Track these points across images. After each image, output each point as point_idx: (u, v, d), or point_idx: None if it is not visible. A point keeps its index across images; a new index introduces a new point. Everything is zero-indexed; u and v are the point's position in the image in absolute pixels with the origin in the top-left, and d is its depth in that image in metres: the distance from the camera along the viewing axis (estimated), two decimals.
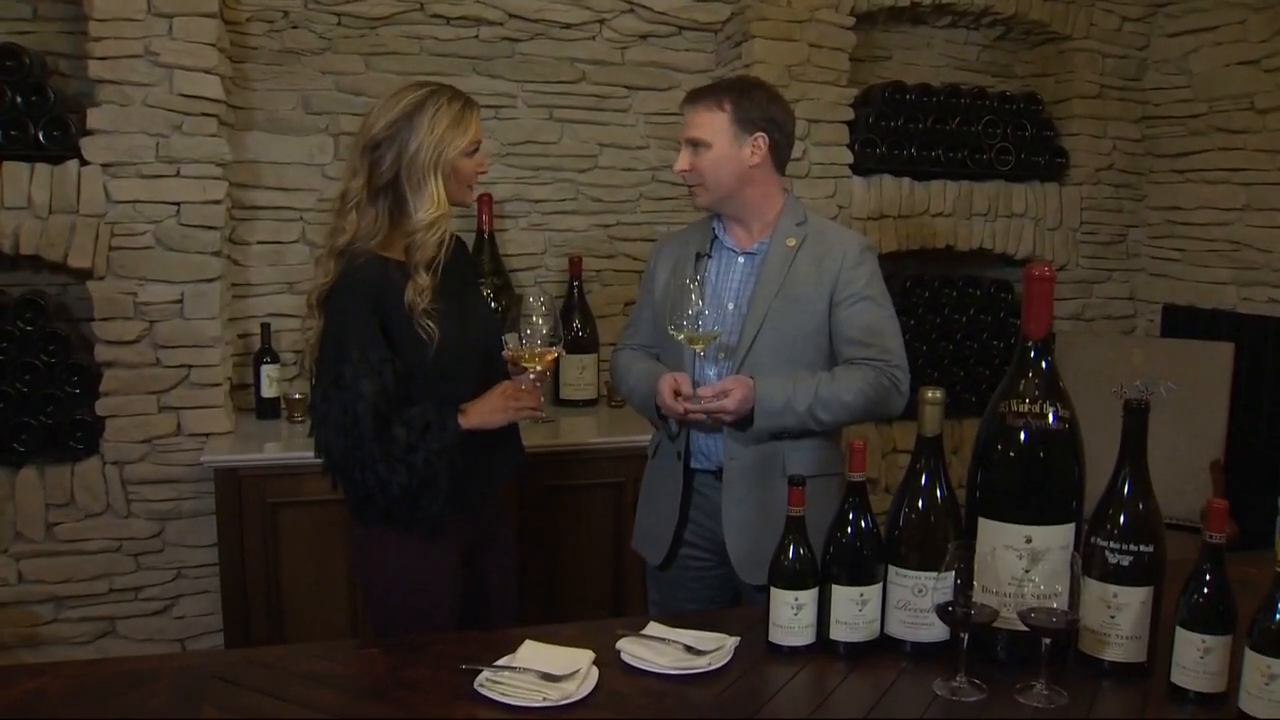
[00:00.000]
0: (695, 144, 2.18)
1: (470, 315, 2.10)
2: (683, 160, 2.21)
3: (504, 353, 2.05)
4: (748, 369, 2.15)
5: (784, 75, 3.42)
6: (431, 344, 1.95)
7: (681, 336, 2.08)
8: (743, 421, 2.11)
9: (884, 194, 3.68)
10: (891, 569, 1.68)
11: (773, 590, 1.68)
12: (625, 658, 1.65)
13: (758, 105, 2.18)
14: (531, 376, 2.03)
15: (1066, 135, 3.95)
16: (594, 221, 3.65)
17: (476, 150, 2.05)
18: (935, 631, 1.65)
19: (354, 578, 2.31)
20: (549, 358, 2.03)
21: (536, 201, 3.59)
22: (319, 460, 1.99)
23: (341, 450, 1.92)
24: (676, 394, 2.10)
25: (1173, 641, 1.53)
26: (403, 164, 1.95)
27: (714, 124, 2.17)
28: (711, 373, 2.20)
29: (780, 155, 2.24)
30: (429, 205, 1.96)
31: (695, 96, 2.23)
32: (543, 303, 2.03)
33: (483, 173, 2.10)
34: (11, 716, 1.49)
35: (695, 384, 2.12)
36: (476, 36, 3.47)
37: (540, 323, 2.00)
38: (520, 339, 2.01)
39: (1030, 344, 1.64)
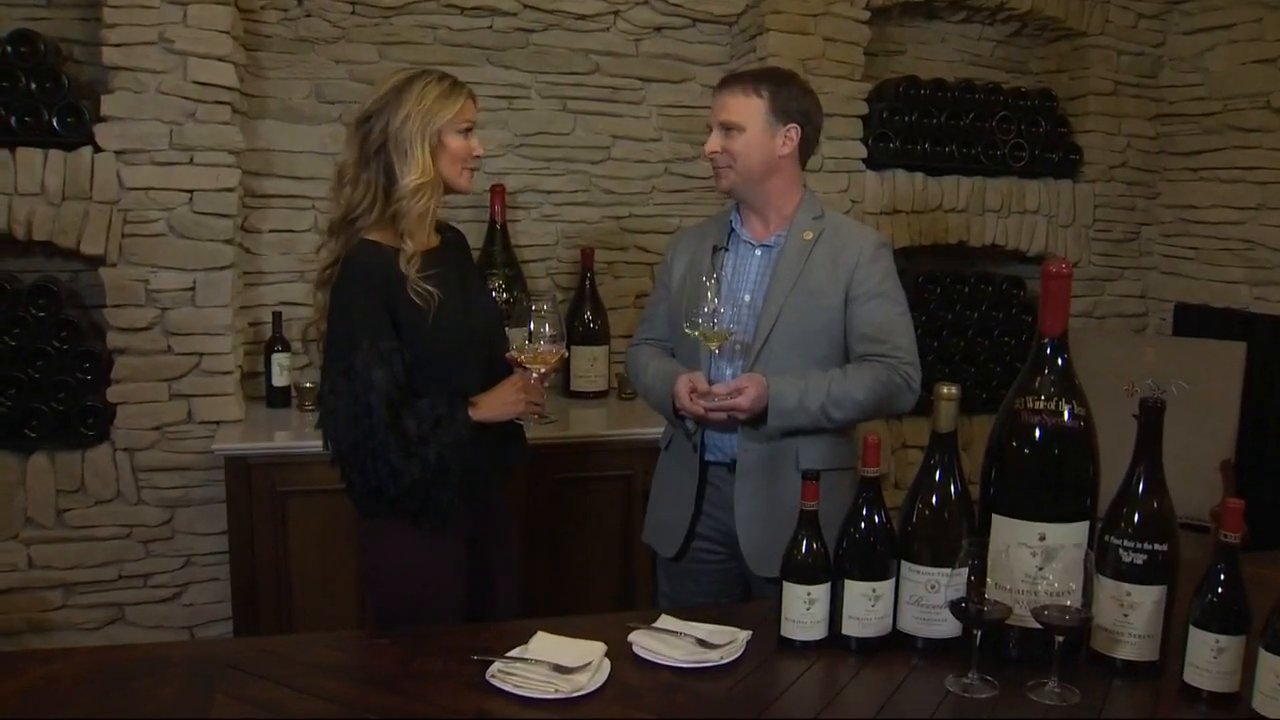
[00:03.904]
0: (728, 127, 2.16)
1: (473, 304, 2.10)
2: (714, 142, 2.18)
3: (508, 354, 2.05)
4: (763, 362, 2.14)
5: (798, 69, 3.37)
6: (430, 309, 1.95)
7: (696, 334, 2.07)
8: (755, 419, 2.10)
9: (897, 189, 3.67)
10: (904, 564, 1.68)
11: (785, 584, 1.68)
12: (637, 650, 1.65)
13: (794, 97, 2.18)
14: (535, 377, 2.03)
15: (1080, 132, 3.93)
16: (606, 213, 3.65)
17: (469, 131, 2.05)
18: (947, 628, 1.65)
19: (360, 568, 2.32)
20: (551, 359, 2.03)
21: (549, 193, 3.58)
22: (327, 451, 2.00)
23: (352, 441, 1.91)
24: (693, 393, 2.09)
25: (1186, 641, 1.52)
26: (390, 132, 1.97)
27: (750, 109, 2.15)
28: (729, 371, 2.19)
29: (807, 149, 2.24)
30: (415, 172, 1.97)
31: (730, 81, 2.22)
32: (546, 304, 2.03)
33: (478, 157, 2.08)
34: (23, 703, 1.49)
35: (709, 380, 2.11)
36: (490, 27, 3.47)
37: (544, 323, 2.00)
38: (525, 339, 2.01)
39: (1047, 341, 1.63)
